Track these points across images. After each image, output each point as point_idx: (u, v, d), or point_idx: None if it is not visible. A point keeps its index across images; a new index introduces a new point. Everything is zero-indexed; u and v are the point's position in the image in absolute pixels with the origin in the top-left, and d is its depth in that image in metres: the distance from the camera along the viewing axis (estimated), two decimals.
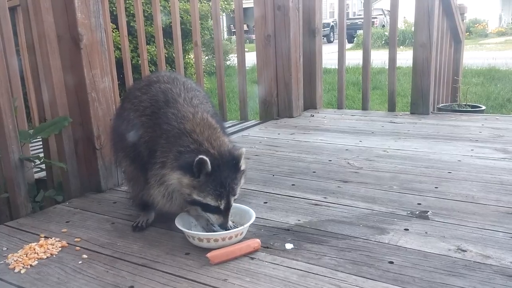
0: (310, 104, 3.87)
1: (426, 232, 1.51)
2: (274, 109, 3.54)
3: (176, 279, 1.30)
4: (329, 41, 22.23)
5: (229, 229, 1.44)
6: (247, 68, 4.06)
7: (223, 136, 1.54)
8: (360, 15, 22.06)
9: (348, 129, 3.14)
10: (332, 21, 23.61)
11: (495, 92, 7.39)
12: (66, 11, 1.93)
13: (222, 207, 1.42)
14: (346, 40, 4.27)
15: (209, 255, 1.36)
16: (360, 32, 18.01)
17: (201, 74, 3.59)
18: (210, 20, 7.23)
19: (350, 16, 25.42)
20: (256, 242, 1.43)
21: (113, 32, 4.82)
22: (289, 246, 1.45)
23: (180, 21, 3.71)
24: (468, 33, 18.17)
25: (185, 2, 6.78)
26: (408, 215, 1.66)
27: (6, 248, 1.54)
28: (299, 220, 1.66)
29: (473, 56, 10.95)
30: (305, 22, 3.66)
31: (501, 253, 1.35)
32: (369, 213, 1.69)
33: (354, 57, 8.86)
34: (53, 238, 1.59)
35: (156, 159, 1.49)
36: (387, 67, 3.81)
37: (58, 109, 1.97)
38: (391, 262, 1.33)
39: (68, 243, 1.55)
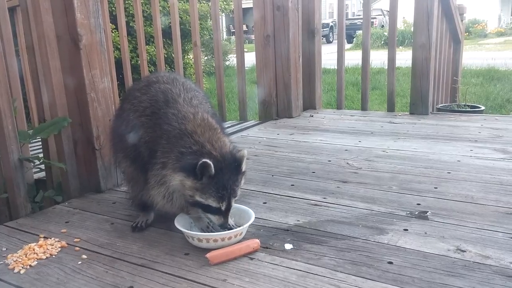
0: (309, 105, 3.87)
1: (425, 233, 1.51)
2: (273, 109, 3.54)
3: (176, 279, 1.30)
4: (328, 42, 22.25)
5: (229, 229, 1.44)
6: (247, 68, 4.06)
7: (223, 137, 1.54)
8: (359, 15, 22.12)
9: (347, 129, 3.14)
10: (332, 22, 23.61)
11: (495, 92, 7.40)
12: (66, 11, 1.93)
13: (223, 208, 1.42)
14: (345, 41, 4.27)
15: (208, 255, 1.36)
16: (359, 32, 18.04)
17: (201, 74, 3.59)
18: (209, 20, 7.23)
19: (350, 17, 25.46)
20: (255, 243, 1.44)
21: (113, 32, 4.82)
22: (288, 246, 1.46)
23: (180, 21, 3.71)
24: (467, 34, 18.18)
25: (184, 2, 6.78)
26: (407, 215, 1.66)
27: (5, 249, 1.54)
28: (298, 221, 1.66)
29: (473, 57, 10.96)
30: (305, 22, 3.66)
31: (500, 254, 1.35)
32: (369, 214, 1.69)
33: (353, 58, 8.85)
34: (52, 238, 1.59)
35: (157, 160, 1.49)
36: (386, 67, 3.81)
37: (58, 109, 1.97)
38: (391, 263, 1.33)
39: (67, 244, 1.55)
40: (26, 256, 1.46)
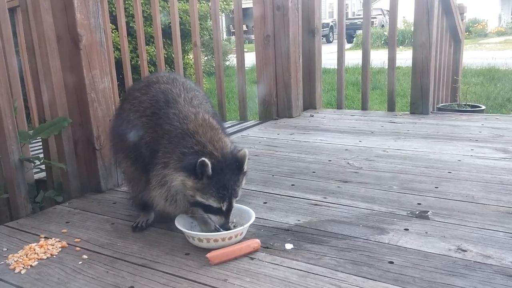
0: (309, 104, 3.87)
1: (426, 232, 1.51)
2: (274, 109, 3.53)
3: (176, 279, 1.30)
4: (329, 41, 22.24)
5: (230, 229, 1.44)
6: (247, 68, 4.06)
7: (225, 137, 1.54)
8: (359, 15, 22.12)
9: (347, 129, 3.14)
10: (332, 21, 23.60)
11: (495, 91, 7.39)
12: (66, 11, 1.93)
13: (224, 208, 1.42)
14: (346, 40, 4.26)
15: (209, 255, 1.36)
16: (359, 32, 18.04)
17: (201, 74, 3.59)
18: (209, 20, 7.22)
19: (350, 16, 25.46)
20: (256, 242, 1.43)
21: (113, 32, 4.82)
22: (289, 246, 1.45)
23: (179, 21, 3.71)
24: (467, 33, 18.18)
25: (184, 2, 6.78)
26: (408, 215, 1.66)
27: (6, 249, 1.54)
28: (299, 220, 1.65)
29: (473, 56, 10.95)
30: (305, 22, 3.65)
31: (501, 253, 1.35)
32: (369, 213, 1.69)
33: (353, 57, 8.86)
34: (53, 238, 1.59)
35: (158, 160, 1.49)
36: (386, 67, 3.81)
37: (58, 109, 1.97)
38: (391, 262, 1.33)
39: (68, 244, 1.55)
40: (26, 256, 1.46)
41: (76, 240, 1.59)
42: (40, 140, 2.16)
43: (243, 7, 3.44)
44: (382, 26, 22.52)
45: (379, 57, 8.97)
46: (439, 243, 1.43)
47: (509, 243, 1.41)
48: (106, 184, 2.09)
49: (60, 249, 1.52)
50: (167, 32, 4.24)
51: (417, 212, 1.67)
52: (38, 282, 1.33)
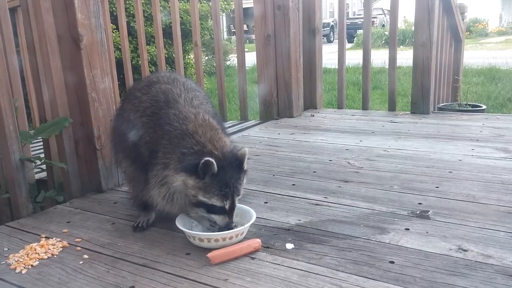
0: (310, 104, 3.87)
1: (427, 232, 1.51)
2: (274, 109, 3.53)
3: (177, 279, 1.30)
4: (329, 41, 22.21)
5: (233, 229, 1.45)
6: (247, 68, 4.06)
7: (225, 137, 1.54)
8: (360, 14, 22.06)
9: (348, 129, 3.14)
10: (332, 21, 23.59)
11: (496, 91, 7.38)
12: (66, 11, 1.93)
13: (227, 207, 1.42)
14: (346, 40, 4.26)
15: (209, 255, 1.36)
16: (360, 31, 17.99)
17: (201, 74, 3.59)
18: (210, 20, 7.22)
19: (350, 16, 25.41)
20: (256, 242, 1.43)
21: (113, 32, 4.82)
22: (289, 246, 1.45)
23: (180, 21, 3.71)
24: (468, 33, 18.14)
25: (185, 2, 6.78)
26: (409, 214, 1.66)
27: (7, 249, 1.54)
28: (299, 220, 1.65)
29: (474, 56, 10.94)
30: (305, 21, 3.66)
31: (502, 253, 1.35)
32: (370, 213, 1.69)
33: (354, 57, 8.86)
34: (54, 238, 1.59)
35: (158, 160, 1.49)
36: (387, 66, 3.81)
37: (59, 109, 1.97)
38: (392, 262, 1.33)
39: (69, 243, 1.55)
40: (27, 256, 1.46)
41: (77, 240, 1.59)
42: (41, 140, 2.16)
43: (243, 6, 3.44)
44: (383, 25, 22.50)
45: (379, 57, 8.97)
46: (440, 243, 1.43)
47: (510, 243, 1.41)
48: (106, 184, 2.10)
49: (61, 249, 1.52)
50: (167, 32, 4.24)
51: (418, 212, 1.67)
52: (39, 282, 1.33)
